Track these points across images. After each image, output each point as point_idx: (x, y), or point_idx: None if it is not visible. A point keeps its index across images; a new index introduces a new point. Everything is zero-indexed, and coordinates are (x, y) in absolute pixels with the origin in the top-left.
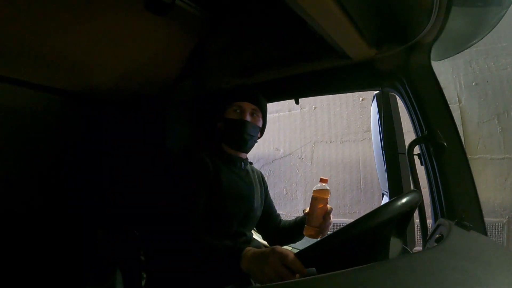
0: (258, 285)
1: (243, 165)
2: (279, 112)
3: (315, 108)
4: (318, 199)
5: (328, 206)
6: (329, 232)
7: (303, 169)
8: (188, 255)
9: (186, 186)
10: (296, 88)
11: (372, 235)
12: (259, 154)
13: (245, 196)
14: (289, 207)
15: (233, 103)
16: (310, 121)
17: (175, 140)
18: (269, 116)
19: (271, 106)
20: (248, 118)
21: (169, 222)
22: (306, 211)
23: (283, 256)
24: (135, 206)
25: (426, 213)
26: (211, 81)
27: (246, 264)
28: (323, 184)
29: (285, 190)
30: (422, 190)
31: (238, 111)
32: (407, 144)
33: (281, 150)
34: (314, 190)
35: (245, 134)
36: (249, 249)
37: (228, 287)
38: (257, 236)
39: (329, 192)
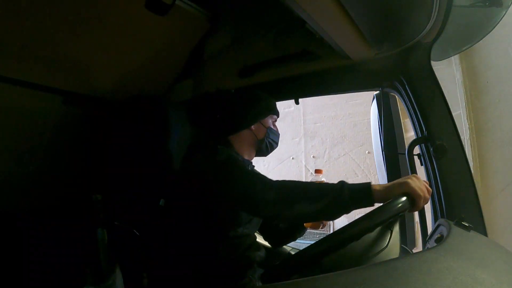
0: (258, 285)
1: (250, 168)
2: None
3: None
4: None
5: None
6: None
7: None
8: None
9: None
10: (296, 88)
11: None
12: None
13: None
14: None
15: (269, 113)
16: None
17: (175, 140)
18: None
19: None
20: None
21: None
22: None
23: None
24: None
25: (426, 213)
26: (211, 81)
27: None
28: (319, 175)
29: None
30: None
31: (274, 122)
32: (407, 144)
33: None
34: None
35: (276, 145)
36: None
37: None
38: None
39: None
